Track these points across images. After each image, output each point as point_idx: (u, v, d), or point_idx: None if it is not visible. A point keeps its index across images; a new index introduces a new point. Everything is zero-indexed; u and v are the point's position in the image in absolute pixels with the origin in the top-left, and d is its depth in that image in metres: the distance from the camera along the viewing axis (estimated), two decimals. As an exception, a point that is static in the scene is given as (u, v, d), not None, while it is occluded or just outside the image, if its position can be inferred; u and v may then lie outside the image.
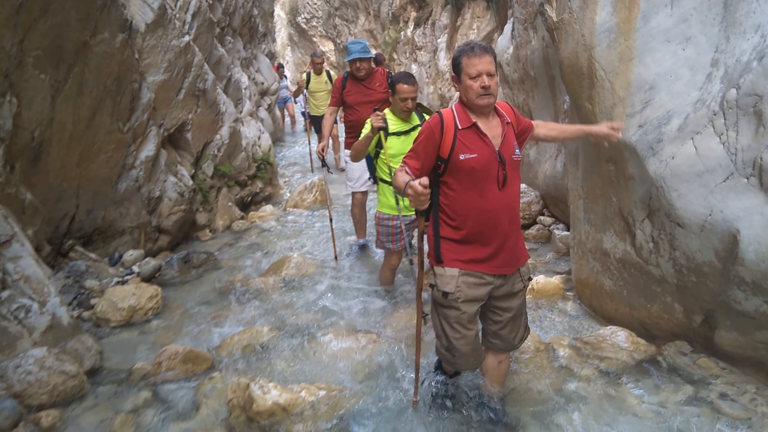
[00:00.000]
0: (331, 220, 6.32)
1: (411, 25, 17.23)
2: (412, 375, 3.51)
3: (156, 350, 4.17)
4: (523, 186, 6.67)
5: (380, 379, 3.79)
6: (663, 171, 3.46)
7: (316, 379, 3.78)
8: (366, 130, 4.54)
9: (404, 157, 3.04)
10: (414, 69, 15.88)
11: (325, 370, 3.94)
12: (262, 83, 13.71)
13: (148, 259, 5.90)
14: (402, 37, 17.89)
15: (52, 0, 4.56)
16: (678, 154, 3.39)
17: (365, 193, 6.18)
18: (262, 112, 13.14)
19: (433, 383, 3.56)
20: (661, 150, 3.50)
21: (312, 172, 11.14)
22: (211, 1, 8.83)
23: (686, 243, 3.39)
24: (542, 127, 3.35)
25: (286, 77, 17.38)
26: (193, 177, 7.18)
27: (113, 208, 5.83)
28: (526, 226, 6.73)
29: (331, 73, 10.38)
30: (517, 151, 3.00)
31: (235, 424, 3.38)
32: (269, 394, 3.43)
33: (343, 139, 6.54)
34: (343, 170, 8.24)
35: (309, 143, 11.55)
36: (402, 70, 15.53)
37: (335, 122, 7.77)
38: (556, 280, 5.08)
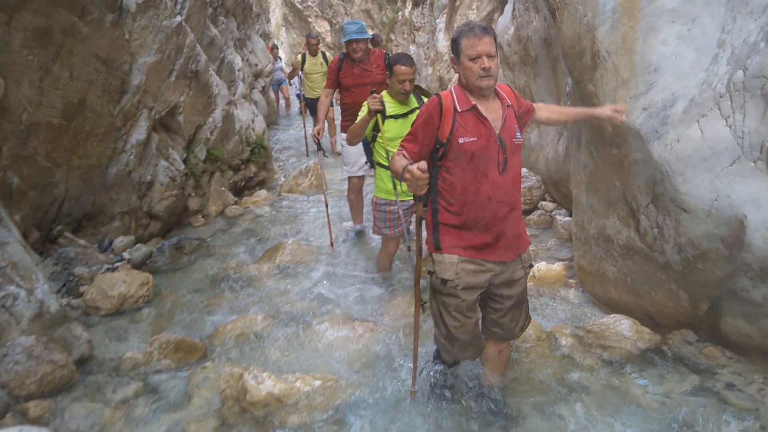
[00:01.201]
0: (326, 206, 6.24)
1: (409, 5, 17.05)
2: (410, 365, 3.44)
3: (147, 339, 4.10)
4: (524, 170, 6.56)
5: (377, 368, 3.72)
6: (668, 155, 3.36)
7: (312, 369, 3.71)
8: (363, 112, 4.44)
9: (402, 141, 2.97)
10: (412, 50, 15.73)
11: (321, 360, 3.86)
12: (256, 65, 13.53)
13: (138, 245, 5.80)
14: (400, 17, 17.72)
15: (40, -22, 4.43)
16: (683, 138, 3.29)
17: (362, 178, 6.09)
18: (256, 95, 12.99)
19: (431, 373, 3.49)
20: (665, 133, 3.41)
21: (307, 156, 11.02)
22: (203, -19, 8.63)
23: (692, 229, 3.31)
24: (544, 109, 3.27)
25: (280, 58, 17.20)
26: (185, 161, 7.06)
27: (103, 193, 5.71)
28: (528, 212, 6.64)
29: (327, 54, 10.23)
30: (518, 134, 2.92)
31: (228, 414, 3.31)
32: (263, 384, 3.37)
33: (339, 122, 6.44)
34: (339, 154, 8.14)
35: (304, 126, 11.41)
36: (400, 51, 15.35)
37: (331, 105, 7.66)
38: (558, 267, 5.00)
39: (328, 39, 28.00)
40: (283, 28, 35.47)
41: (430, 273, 2.99)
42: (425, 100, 4.40)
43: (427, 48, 14.81)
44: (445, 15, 13.75)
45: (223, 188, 8.04)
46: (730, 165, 3.08)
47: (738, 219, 3.00)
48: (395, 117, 4.47)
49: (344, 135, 5.58)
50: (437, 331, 3.15)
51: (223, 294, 5.01)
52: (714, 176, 3.13)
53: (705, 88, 3.31)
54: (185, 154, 7.20)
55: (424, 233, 3.02)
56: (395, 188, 4.50)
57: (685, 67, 3.47)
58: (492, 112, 2.86)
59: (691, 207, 3.27)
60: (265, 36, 16.68)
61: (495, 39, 2.80)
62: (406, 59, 4.36)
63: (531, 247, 3.42)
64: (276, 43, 18.50)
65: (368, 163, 5.10)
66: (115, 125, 5.67)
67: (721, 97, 3.17)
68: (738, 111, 3.08)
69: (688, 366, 3.46)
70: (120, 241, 5.74)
